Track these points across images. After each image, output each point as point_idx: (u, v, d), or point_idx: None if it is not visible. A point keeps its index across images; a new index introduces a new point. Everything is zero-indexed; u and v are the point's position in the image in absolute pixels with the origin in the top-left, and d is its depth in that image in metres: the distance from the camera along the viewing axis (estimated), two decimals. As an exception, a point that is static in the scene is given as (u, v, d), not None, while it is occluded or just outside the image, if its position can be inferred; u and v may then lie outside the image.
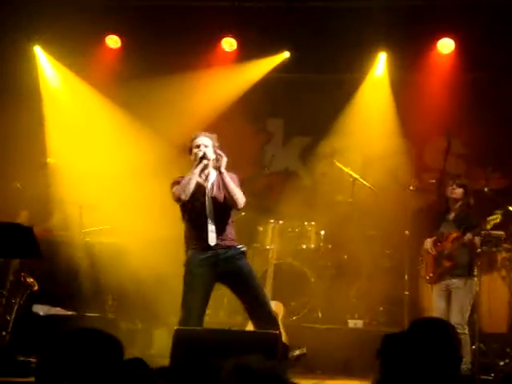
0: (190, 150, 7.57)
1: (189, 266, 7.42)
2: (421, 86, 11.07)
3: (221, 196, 7.49)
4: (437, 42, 10.86)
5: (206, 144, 7.55)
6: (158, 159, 10.33)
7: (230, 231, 7.57)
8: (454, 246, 8.44)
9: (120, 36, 11.29)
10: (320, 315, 10.21)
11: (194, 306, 7.40)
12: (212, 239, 7.44)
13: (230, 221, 7.59)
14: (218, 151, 7.49)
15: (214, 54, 11.36)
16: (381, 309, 10.30)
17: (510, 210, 9.30)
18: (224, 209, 7.51)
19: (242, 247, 7.60)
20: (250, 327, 8.97)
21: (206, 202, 7.46)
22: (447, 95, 10.83)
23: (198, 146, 7.52)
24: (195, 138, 7.59)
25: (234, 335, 7.67)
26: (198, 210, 7.44)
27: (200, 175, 7.50)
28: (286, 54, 11.34)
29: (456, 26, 10.59)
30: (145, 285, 9.77)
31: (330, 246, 10.66)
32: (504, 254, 9.65)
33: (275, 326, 7.54)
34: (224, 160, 7.46)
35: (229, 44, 11.33)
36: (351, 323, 9.98)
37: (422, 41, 10.76)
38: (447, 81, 10.97)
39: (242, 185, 7.68)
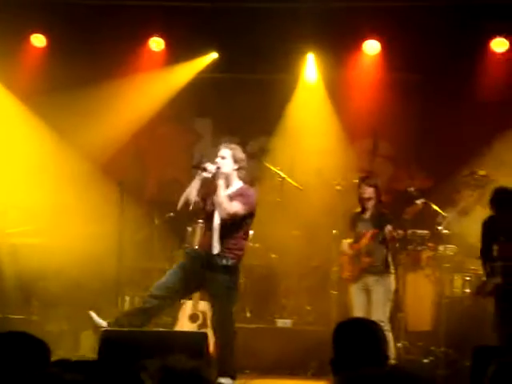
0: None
1: None
2: (348, 86, 11.19)
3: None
4: (363, 43, 10.97)
5: (224, 155, 7.75)
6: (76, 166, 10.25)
7: (232, 242, 7.89)
8: (371, 243, 8.57)
9: (46, 34, 11.10)
10: (248, 315, 10.23)
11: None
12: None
13: (234, 231, 7.90)
14: (218, 162, 7.59)
15: (141, 53, 11.29)
16: (308, 308, 10.36)
17: (431, 207, 9.46)
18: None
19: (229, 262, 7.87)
20: (178, 327, 8.97)
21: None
22: (373, 96, 10.97)
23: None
24: (218, 150, 7.72)
25: (162, 335, 7.64)
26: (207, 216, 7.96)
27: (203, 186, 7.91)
28: (213, 55, 11.32)
29: (381, 27, 10.72)
30: (70, 285, 9.66)
31: (258, 246, 10.68)
32: (428, 253, 9.81)
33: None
34: (220, 172, 7.62)
35: (156, 43, 11.27)
36: (280, 322, 10.02)
37: (348, 42, 10.87)
38: (373, 82, 11.11)
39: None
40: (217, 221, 7.92)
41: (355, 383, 2.31)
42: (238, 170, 7.98)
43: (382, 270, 8.59)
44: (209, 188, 8.00)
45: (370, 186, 8.70)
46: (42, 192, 10.09)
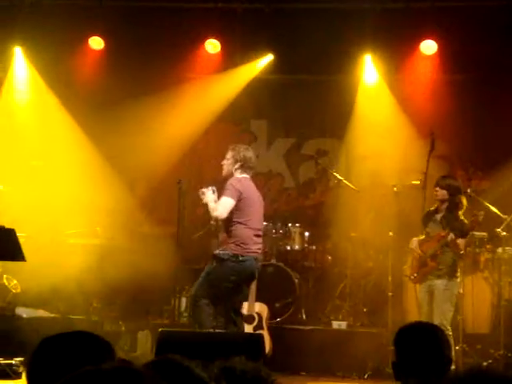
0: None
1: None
2: (404, 87, 11.11)
3: None
4: (420, 43, 10.88)
5: (227, 157, 8.01)
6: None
7: (225, 235, 8.20)
8: (438, 246, 8.46)
9: (103, 37, 11.23)
10: (304, 316, 10.22)
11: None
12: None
13: (227, 226, 8.16)
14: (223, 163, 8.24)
15: (197, 55, 11.34)
16: (364, 310, 10.31)
17: (492, 212, 9.34)
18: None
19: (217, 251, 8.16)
20: (234, 328, 8.99)
21: None
22: (430, 96, 10.87)
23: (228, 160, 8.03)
24: (231, 151, 8.26)
25: (218, 337, 7.67)
26: None
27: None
28: (269, 57, 11.33)
29: (438, 27, 10.63)
30: (128, 286, 9.75)
31: (314, 248, 10.67)
32: (487, 255, 9.69)
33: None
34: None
35: (212, 46, 11.30)
36: (335, 324, 9.99)
37: (405, 42, 10.78)
38: (430, 82, 11.01)
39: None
40: None
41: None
42: (240, 168, 8.10)
43: (447, 275, 8.46)
44: None
45: (443, 188, 8.54)
46: (99, 193, 10.20)
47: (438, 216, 8.62)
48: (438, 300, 8.43)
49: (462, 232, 8.40)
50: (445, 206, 8.55)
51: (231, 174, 8.16)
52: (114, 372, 2.15)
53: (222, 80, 11.42)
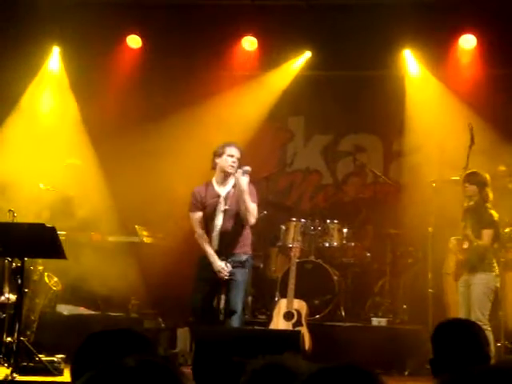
0: (220, 155, 7.80)
1: (197, 268, 8.19)
2: (442, 81, 11.00)
3: (233, 208, 8.04)
4: (459, 38, 10.79)
5: (239, 156, 7.95)
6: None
7: (238, 239, 8.07)
8: (469, 241, 8.42)
9: (141, 36, 11.28)
10: (343, 313, 10.19)
11: (196, 305, 8.09)
12: (215, 245, 8.06)
13: (241, 230, 8.12)
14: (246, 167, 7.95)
15: (234, 53, 11.34)
16: (404, 306, 10.26)
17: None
18: (235, 219, 8.07)
19: (244, 257, 8.11)
20: (273, 326, 8.99)
21: (218, 211, 8.04)
22: (469, 90, 10.75)
23: (232, 156, 7.84)
24: (228, 146, 7.82)
25: (257, 334, 7.69)
26: (210, 216, 8.06)
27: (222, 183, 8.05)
28: (307, 54, 11.29)
29: (477, 21, 10.53)
30: (168, 284, 9.79)
31: (352, 244, 10.63)
32: (528, 251, 9.58)
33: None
34: (248, 177, 7.74)
35: (249, 43, 11.30)
36: (375, 321, 9.95)
37: (444, 37, 10.68)
38: (470, 76, 10.89)
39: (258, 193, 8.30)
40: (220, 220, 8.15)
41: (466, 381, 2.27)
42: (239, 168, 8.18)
43: (481, 268, 8.41)
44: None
45: (472, 184, 8.51)
46: (138, 191, 10.27)
47: (470, 212, 8.59)
48: (474, 295, 8.38)
49: (489, 224, 8.34)
50: (474, 201, 8.51)
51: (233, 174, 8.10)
52: (140, 366, 2.17)
53: (263, 82, 11.40)
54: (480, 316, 8.17)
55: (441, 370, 3.83)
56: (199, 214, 8.05)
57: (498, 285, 8.53)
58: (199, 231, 8.06)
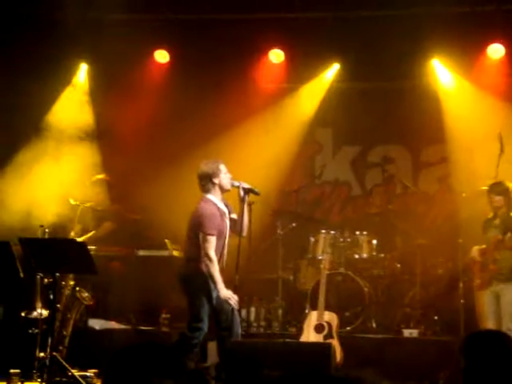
0: (217, 175, 7.71)
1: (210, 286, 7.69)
2: (470, 90, 10.95)
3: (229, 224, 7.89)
4: (487, 47, 10.75)
5: (226, 171, 7.85)
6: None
7: None
8: (497, 250, 8.35)
9: (169, 50, 11.34)
10: (374, 325, 10.15)
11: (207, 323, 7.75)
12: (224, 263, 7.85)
13: None
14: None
15: (261, 66, 11.38)
16: (436, 318, 10.19)
17: None
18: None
19: None
20: (304, 338, 8.98)
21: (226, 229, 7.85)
22: (498, 99, 10.69)
23: (226, 172, 7.73)
24: (220, 164, 7.79)
25: (288, 346, 7.67)
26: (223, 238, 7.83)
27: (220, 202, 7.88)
28: (335, 66, 11.31)
29: (505, 31, 10.48)
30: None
31: (382, 255, 10.59)
32: None
33: None
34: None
35: (276, 56, 11.33)
36: (406, 333, 9.89)
37: (473, 46, 10.64)
38: (498, 86, 10.83)
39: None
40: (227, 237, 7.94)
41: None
42: (201, 187, 7.91)
43: (509, 278, 8.35)
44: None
45: (499, 194, 8.46)
46: (169, 206, 10.31)
47: (497, 221, 8.53)
48: (504, 305, 8.32)
49: None
50: (501, 211, 8.46)
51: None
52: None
53: (294, 98, 11.43)
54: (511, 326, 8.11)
55: (472, 382, 3.81)
56: (215, 238, 7.69)
57: None
58: (215, 257, 7.63)
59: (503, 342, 3.98)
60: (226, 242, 7.87)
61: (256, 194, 7.85)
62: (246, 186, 7.80)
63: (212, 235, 7.63)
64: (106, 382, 2.90)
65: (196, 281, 7.69)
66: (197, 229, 7.70)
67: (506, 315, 8.30)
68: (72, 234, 9.44)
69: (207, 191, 7.79)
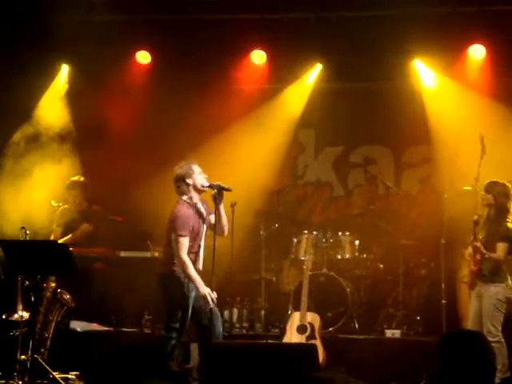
0: (190, 176, 7.77)
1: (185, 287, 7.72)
2: (452, 87, 10.97)
3: (206, 224, 7.93)
4: (468, 48, 10.78)
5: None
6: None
7: None
8: (480, 253, 8.37)
9: (150, 51, 11.30)
10: (357, 325, 10.16)
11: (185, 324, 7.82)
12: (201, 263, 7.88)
13: None
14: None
15: (243, 66, 11.36)
16: (418, 318, 10.22)
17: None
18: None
19: None
20: (286, 339, 8.97)
21: (202, 230, 7.88)
22: (480, 101, 10.71)
23: (200, 172, 7.74)
24: (193, 165, 7.84)
25: (271, 347, 7.66)
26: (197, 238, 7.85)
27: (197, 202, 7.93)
28: (318, 67, 11.30)
29: (487, 32, 10.51)
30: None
31: (364, 256, 10.61)
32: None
33: None
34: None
35: (258, 56, 11.31)
36: (388, 333, 9.91)
37: (454, 47, 10.66)
38: (479, 87, 10.86)
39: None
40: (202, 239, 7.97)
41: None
42: (177, 189, 8.01)
43: (491, 280, 8.37)
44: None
45: (488, 192, 8.46)
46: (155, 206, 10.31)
47: (487, 221, 8.55)
48: (485, 307, 8.34)
49: (504, 237, 8.29)
50: (491, 211, 8.47)
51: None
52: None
53: (278, 99, 11.43)
54: (491, 328, 8.13)
55: (446, 383, 3.80)
56: (187, 239, 7.73)
57: (510, 296, 8.45)
58: (186, 257, 7.67)
59: (478, 342, 3.95)
60: (202, 243, 7.89)
61: (227, 190, 7.87)
62: (216, 184, 7.79)
63: (183, 236, 7.68)
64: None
65: (171, 282, 7.74)
66: (171, 231, 7.73)
67: (485, 317, 8.32)
68: (52, 236, 9.42)
69: (182, 193, 7.87)
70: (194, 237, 7.79)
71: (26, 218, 9.08)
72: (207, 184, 7.83)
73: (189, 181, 7.83)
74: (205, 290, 7.64)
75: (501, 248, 8.32)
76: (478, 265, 8.41)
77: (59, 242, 9.13)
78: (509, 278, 8.40)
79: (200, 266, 7.87)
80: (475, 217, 8.40)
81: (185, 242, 7.68)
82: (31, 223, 8.90)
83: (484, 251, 8.29)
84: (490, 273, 8.36)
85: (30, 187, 9.78)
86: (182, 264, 7.64)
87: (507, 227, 8.33)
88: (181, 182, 7.86)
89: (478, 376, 3.77)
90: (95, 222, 10.16)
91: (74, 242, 9.74)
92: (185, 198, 7.85)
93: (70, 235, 9.83)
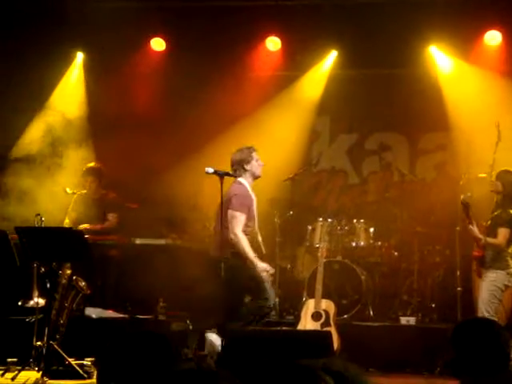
0: (249, 162, 7.93)
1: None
2: (468, 77, 10.91)
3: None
4: (484, 34, 10.71)
5: None
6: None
7: None
8: (475, 235, 8.35)
9: (165, 38, 11.29)
10: (371, 313, 10.15)
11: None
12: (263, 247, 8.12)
13: None
14: None
15: (258, 53, 11.33)
16: (433, 305, 10.20)
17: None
18: None
19: None
20: (301, 326, 8.97)
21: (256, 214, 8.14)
22: (496, 87, 10.64)
23: (258, 159, 7.88)
24: (253, 151, 8.01)
25: (287, 334, 7.67)
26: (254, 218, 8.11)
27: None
28: (333, 54, 11.26)
29: (503, 18, 10.43)
30: (195, 285, 9.78)
31: (379, 243, 10.59)
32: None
33: None
34: None
35: (273, 43, 11.28)
36: (403, 320, 9.89)
37: (470, 33, 10.59)
38: (495, 72, 10.79)
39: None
40: None
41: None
42: (233, 172, 8.06)
43: (491, 266, 8.35)
44: None
45: (498, 179, 8.45)
46: (169, 195, 10.32)
47: (494, 209, 8.53)
48: (481, 291, 8.33)
49: (506, 222, 8.26)
50: (499, 198, 8.45)
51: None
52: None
53: (294, 86, 11.40)
54: (485, 313, 8.11)
55: (461, 371, 3.79)
56: (244, 217, 7.87)
57: (510, 284, 8.38)
58: (241, 234, 7.82)
59: (492, 330, 3.92)
60: (257, 227, 7.98)
61: (232, 176, 7.95)
62: (221, 171, 7.85)
63: (241, 213, 7.80)
64: (99, 371, 2.90)
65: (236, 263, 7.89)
66: (227, 209, 7.83)
67: (480, 302, 8.30)
68: (67, 221, 9.46)
69: (239, 176, 7.99)
70: (250, 218, 7.89)
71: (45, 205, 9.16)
72: (212, 170, 7.82)
73: (247, 166, 7.99)
74: (262, 265, 7.78)
75: (502, 233, 8.29)
76: (482, 251, 8.38)
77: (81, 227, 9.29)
78: (510, 264, 8.36)
79: (263, 249, 8.00)
80: (462, 196, 8.30)
81: (241, 219, 7.80)
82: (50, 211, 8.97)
83: (479, 236, 8.26)
84: (491, 259, 8.34)
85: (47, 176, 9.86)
86: (239, 240, 7.74)
87: (510, 213, 8.30)
88: (238, 166, 8.00)
89: (493, 363, 3.75)
90: (118, 210, 10.20)
91: (105, 231, 9.83)
92: (241, 179, 7.95)
93: (98, 226, 9.90)
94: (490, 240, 8.28)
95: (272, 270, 7.89)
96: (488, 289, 8.28)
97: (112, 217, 10.08)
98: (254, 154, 8.01)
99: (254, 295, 8.08)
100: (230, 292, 7.84)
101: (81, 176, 10.01)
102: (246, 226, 7.87)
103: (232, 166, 8.04)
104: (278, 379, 2.36)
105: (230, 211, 7.78)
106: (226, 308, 7.92)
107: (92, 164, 10.13)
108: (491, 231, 8.35)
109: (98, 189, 10.08)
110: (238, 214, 7.77)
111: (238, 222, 7.77)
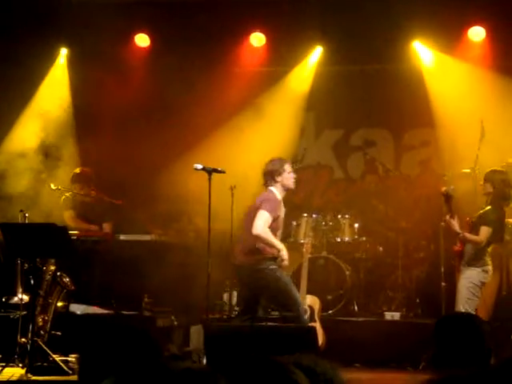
0: (280, 174, 7.97)
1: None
2: (451, 73, 10.93)
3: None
4: (467, 30, 10.74)
5: None
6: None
7: None
8: (452, 228, 8.36)
9: (149, 34, 11.27)
10: (356, 308, 10.18)
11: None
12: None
13: None
14: None
15: (242, 49, 11.32)
16: (417, 300, 10.24)
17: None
18: None
19: None
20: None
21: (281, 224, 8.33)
22: (479, 83, 10.67)
23: (290, 172, 8.09)
24: (286, 163, 8.08)
25: (270, 330, 7.67)
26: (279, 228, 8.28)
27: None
28: (318, 49, 11.26)
29: (487, 14, 10.46)
30: (181, 281, 9.79)
31: (364, 239, 10.61)
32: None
33: None
34: None
35: (257, 39, 11.27)
36: (388, 315, 9.93)
37: (453, 29, 10.61)
38: (478, 67, 10.82)
39: None
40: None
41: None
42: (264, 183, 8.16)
43: (467, 263, 8.37)
44: None
45: (487, 181, 8.44)
46: (155, 191, 10.31)
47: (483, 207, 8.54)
48: (458, 288, 8.37)
49: (488, 221, 8.26)
50: (490, 198, 8.45)
51: None
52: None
53: (279, 82, 11.39)
54: (462, 310, 8.11)
55: (442, 365, 3.80)
56: (271, 219, 7.90)
57: (486, 280, 8.41)
58: (266, 229, 7.88)
59: (473, 324, 3.94)
60: (279, 236, 8.16)
61: (220, 172, 7.93)
62: (209, 167, 7.97)
63: (269, 213, 7.83)
64: (81, 367, 2.89)
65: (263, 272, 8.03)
66: (255, 211, 7.90)
67: (457, 300, 8.32)
68: (67, 214, 9.50)
69: (268, 186, 8.08)
70: (276, 225, 7.97)
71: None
72: (200, 167, 7.92)
73: (278, 178, 8.02)
74: (285, 254, 7.87)
75: (483, 232, 8.28)
76: (462, 246, 8.39)
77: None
78: (490, 263, 8.36)
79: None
80: (444, 188, 8.30)
81: (268, 219, 7.81)
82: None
83: (458, 230, 8.24)
84: (469, 256, 8.34)
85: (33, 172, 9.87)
86: (264, 234, 7.78)
87: (497, 213, 8.31)
88: (269, 177, 8.03)
89: (474, 358, 3.77)
90: (113, 217, 10.22)
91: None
92: (272, 188, 8.00)
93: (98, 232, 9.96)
94: (470, 236, 8.28)
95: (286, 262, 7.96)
96: (464, 285, 8.31)
97: (107, 227, 10.11)
98: (287, 166, 8.06)
99: (282, 306, 8.30)
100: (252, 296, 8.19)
101: (70, 182, 10.04)
102: (271, 230, 7.92)
103: (264, 176, 8.10)
104: (249, 374, 2.36)
105: (260, 211, 7.82)
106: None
107: (77, 170, 10.11)
108: (474, 228, 8.36)
109: (89, 192, 10.07)
110: (267, 214, 7.82)
111: (266, 221, 7.81)
